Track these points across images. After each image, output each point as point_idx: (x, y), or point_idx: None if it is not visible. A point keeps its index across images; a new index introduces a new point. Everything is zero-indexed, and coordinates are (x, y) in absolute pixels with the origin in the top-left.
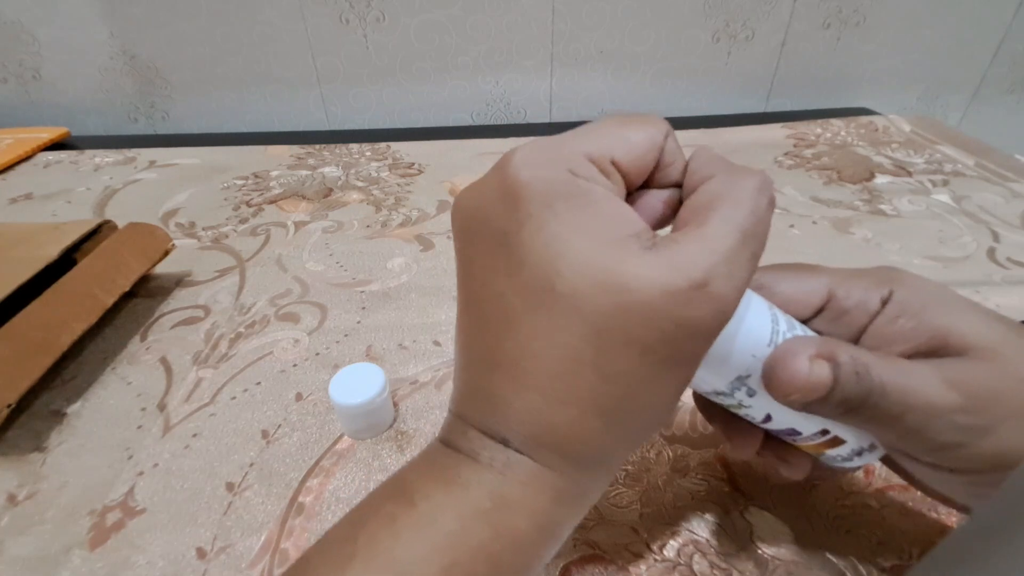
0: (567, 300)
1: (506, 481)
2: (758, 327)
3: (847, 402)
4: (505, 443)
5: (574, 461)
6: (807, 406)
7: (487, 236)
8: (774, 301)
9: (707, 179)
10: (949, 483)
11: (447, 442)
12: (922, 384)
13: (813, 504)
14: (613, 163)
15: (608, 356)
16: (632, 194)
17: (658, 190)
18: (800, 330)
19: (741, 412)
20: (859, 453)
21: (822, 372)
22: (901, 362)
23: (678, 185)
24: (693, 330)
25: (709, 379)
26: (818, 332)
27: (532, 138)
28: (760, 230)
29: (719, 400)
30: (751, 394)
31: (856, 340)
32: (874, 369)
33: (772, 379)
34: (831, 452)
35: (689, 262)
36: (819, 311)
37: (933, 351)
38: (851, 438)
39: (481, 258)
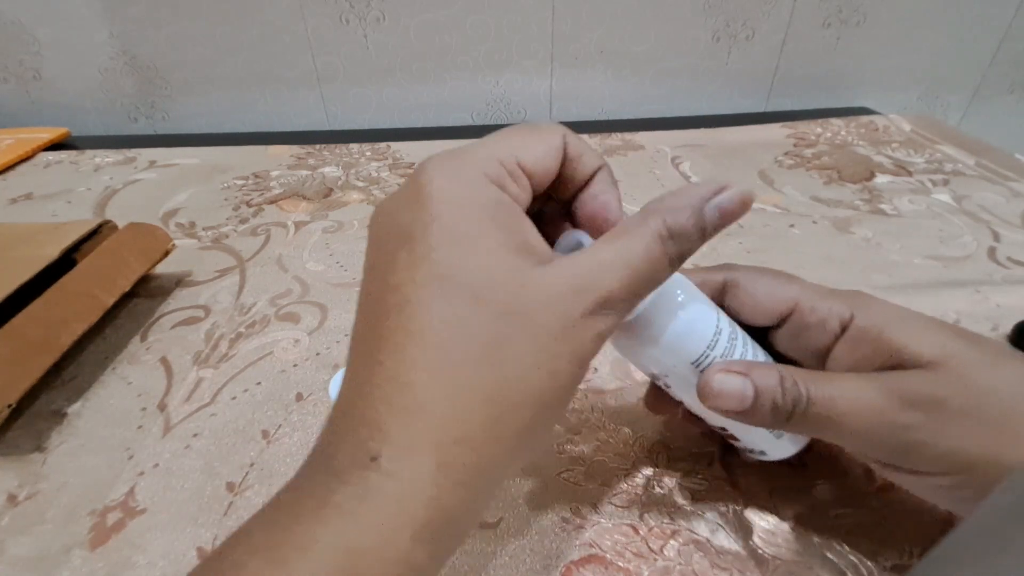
0: (468, 289)
1: (361, 529)
2: (692, 343)
3: (778, 411)
4: (375, 461)
5: (452, 468)
6: (741, 415)
7: (395, 235)
8: (742, 302)
9: (619, 206)
10: (922, 486)
11: (304, 476)
12: (854, 392)
13: (813, 504)
14: (519, 165)
15: (503, 340)
16: (540, 210)
17: (557, 206)
18: (750, 350)
19: (667, 390)
20: (752, 452)
21: (735, 384)
22: (834, 375)
23: (586, 181)
24: (577, 340)
25: (644, 363)
26: (779, 349)
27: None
28: (649, 275)
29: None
30: (669, 386)
31: (822, 361)
32: (802, 382)
33: (701, 391)
34: (733, 444)
35: (578, 286)
36: (783, 321)
37: (891, 369)
38: (745, 440)
39: (385, 256)
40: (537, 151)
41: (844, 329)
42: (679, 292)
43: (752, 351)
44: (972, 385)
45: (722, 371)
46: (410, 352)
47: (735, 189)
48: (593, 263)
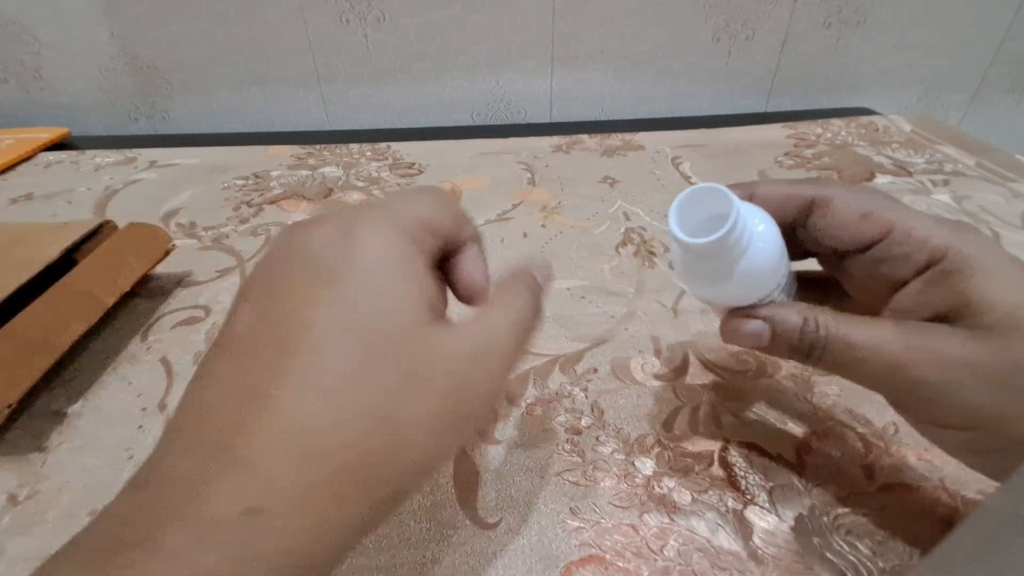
0: (383, 344)
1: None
2: (752, 296)
3: (795, 352)
4: (256, 513)
5: (330, 525)
6: (763, 351)
7: (313, 269)
8: (830, 223)
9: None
10: (932, 434)
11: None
12: (875, 342)
13: (813, 504)
14: (430, 225)
15: (404, 399)
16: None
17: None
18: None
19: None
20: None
21: (754, 327)
22: (862, 322)
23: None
24: (467, 407)
25: (698, 285)
26: (850, 271)
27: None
28: (527, 332)
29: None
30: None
31: (893, 291)
32: (824, 326)
33: (722, 329)
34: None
35: (477, 352)
36: (873, 243)
37: (950, 319)
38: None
39: (299, 286)
40: (444, 215)
41: (929, 266)
42: (773, 246)
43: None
44: (1020, 357)
45: (742, 316)
46: (310, 397)
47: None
48: (490, 330)
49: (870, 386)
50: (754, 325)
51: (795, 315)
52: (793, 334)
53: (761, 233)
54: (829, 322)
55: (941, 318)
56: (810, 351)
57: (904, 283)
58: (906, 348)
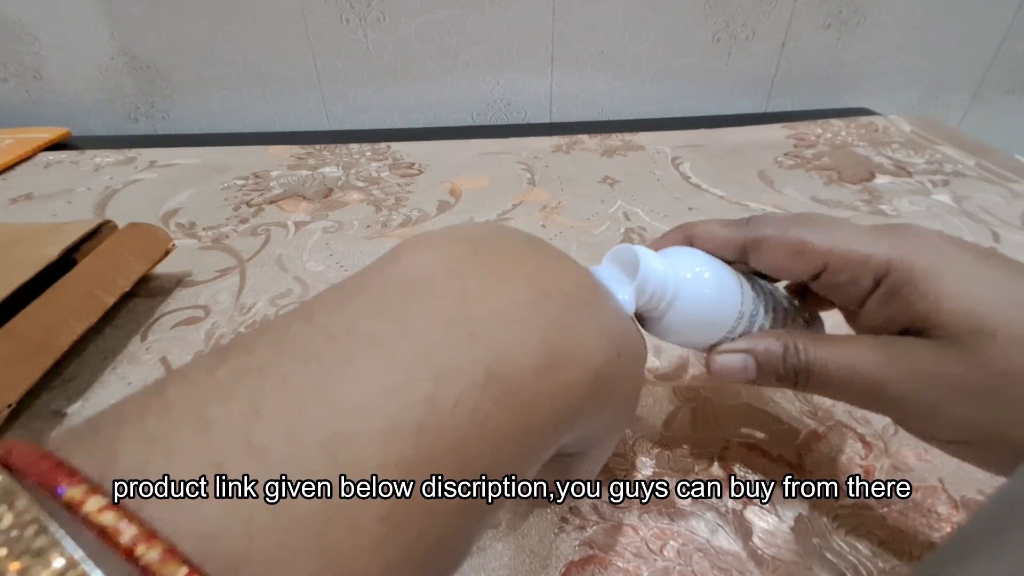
0: None
1: None
2: (714, 334)
3: (782, 380)
4: None
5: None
6: (753, 383)
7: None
8: (766, 265)
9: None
10: (949, 449)
11: None
12: (851, 361)
13: (813, 504)
14: None
15: None
16: None
17: None
18: (770, 317)
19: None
20: None
21: (737, 362)
22: (839, 341)
23: None
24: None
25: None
26: (825, 294)
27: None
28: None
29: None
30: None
31: (860, 306)
32: (803, 351)
33: (708, 367)
34: None
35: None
36: (818, 274)
37: (919, 332)
38: None
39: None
40: None
41: (879, 282)
42: (709, 287)
43: (771, 317)
44: (993, 366)
45: (725, 352)
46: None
47: None
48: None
49: (861, 405)
50: (737, 359)
51: (776, 343)
52: (778, 362)
53: (689, 280)
54: (808, 346)
55: (913, 332)
56: (796, 377)
57: (863, 301)
58: (884, 365)
